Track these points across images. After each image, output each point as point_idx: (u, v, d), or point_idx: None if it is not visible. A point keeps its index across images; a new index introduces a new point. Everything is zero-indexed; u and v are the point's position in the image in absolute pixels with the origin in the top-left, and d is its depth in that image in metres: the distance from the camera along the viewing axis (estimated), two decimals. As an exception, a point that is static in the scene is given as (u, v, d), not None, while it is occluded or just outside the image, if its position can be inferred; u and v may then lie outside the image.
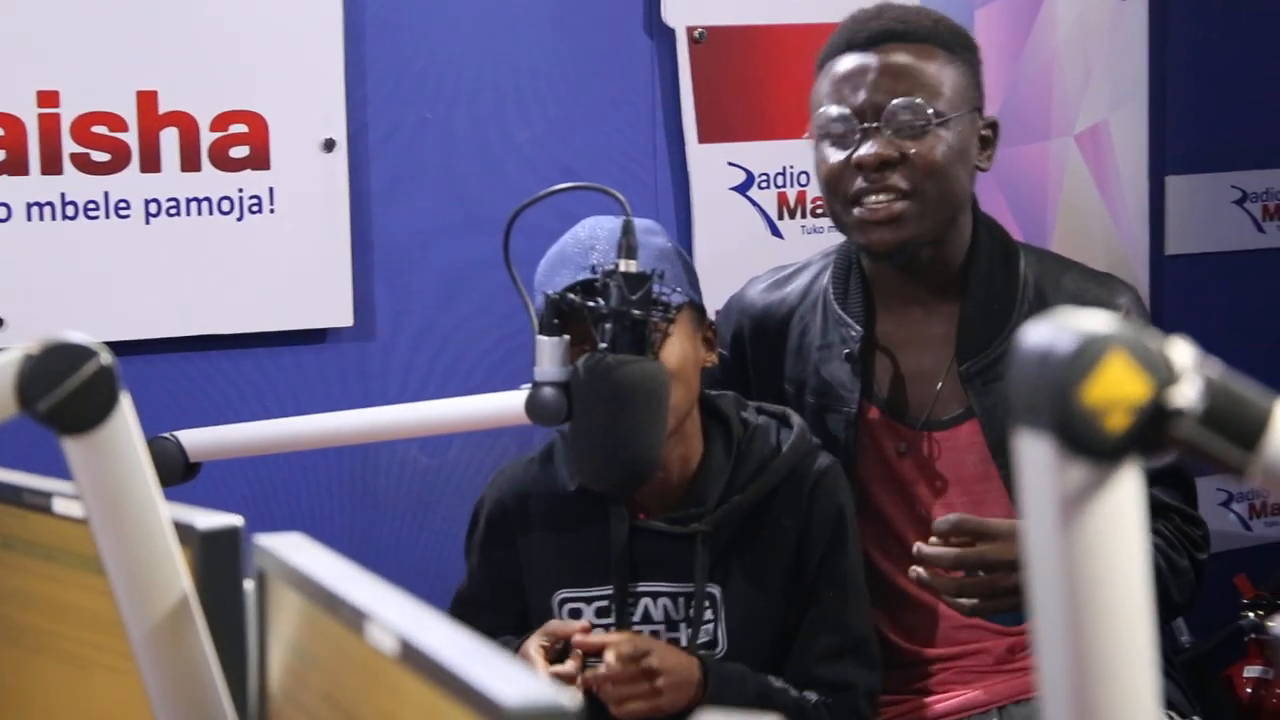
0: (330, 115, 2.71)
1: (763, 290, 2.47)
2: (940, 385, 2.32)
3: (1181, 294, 3.47)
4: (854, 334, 2.33)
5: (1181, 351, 0.83)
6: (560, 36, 2.92)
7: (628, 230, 1.91)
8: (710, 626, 2.18)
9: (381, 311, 2.80)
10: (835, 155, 2.24)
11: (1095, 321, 0.82)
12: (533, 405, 1.90)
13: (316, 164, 2.70)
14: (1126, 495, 0.81)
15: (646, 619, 2.20)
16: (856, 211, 2.23)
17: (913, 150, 2.21)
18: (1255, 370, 1.06)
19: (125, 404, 1.16)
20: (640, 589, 2.20)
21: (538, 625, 2.17)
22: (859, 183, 2.22)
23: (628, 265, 1.91)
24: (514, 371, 2.75)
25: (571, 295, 1.95)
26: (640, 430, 1.89)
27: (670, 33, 2.97)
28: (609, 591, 2.20)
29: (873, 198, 2.21)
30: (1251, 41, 3.56)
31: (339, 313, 2.75)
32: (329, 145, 2.71)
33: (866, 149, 2.21)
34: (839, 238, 2.39)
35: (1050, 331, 0.82)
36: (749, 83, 3.01)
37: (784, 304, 2.43)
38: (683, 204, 3.00)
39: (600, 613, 2.21)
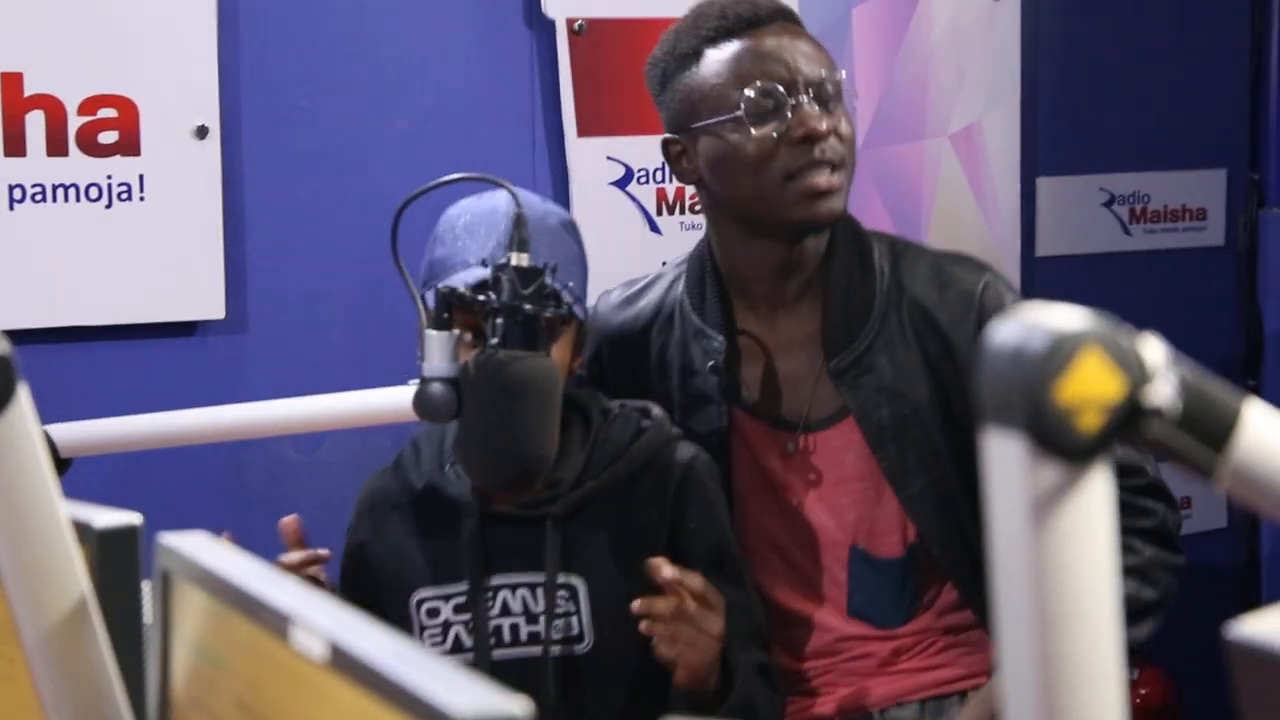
0: (203, 101, 2.65)
1: (615, 308, 2.41)
2: (813, 386, 2.29)
3: (1051, 296, 3.48)
4: (716, 344, 2.29)
5: (1153, 349, 0.81)
6: (439, 25, 2.87)
7: (519, 223, 1.87)
8: (574, 619, 2.14)
9: (254, 304, 2.73)
10: (761, 134, 2.18)
11: (1068, 318, 0.80)
12: (421, 402, 1.87)
13: (189, 151, 2.64)
14: (1098, 496, 0.79)
15: (505, 612, 2.15)
16: (796, 186, 2.18)
17: (837, 123, 2.19)
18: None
19: (23, 394, 1.11)
20: (497, 582, 2.16)
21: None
22: (796, 158, 2.17)
23: (519, 259, 1.87)
24: (392, 368, 2.69)
25: (462, 290, 1.91)
26: (533, 427, 1.85)
27: (550, 24, 2.94)
28: (466, 588, 2.15)
29: (814, 168, 2.17)
30: (1121, 45, 3.61)
31: (211, 305, 2.68)
32: (202, 132, 2.64)
33: (814, 121, 2.17)
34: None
35: (1021, 329, 0.80)
36: (629, 76, 2.96)
37: (638, 320, 2.38)
38: (561, 198, 2.96)
39: (458, 609, 2.16)
